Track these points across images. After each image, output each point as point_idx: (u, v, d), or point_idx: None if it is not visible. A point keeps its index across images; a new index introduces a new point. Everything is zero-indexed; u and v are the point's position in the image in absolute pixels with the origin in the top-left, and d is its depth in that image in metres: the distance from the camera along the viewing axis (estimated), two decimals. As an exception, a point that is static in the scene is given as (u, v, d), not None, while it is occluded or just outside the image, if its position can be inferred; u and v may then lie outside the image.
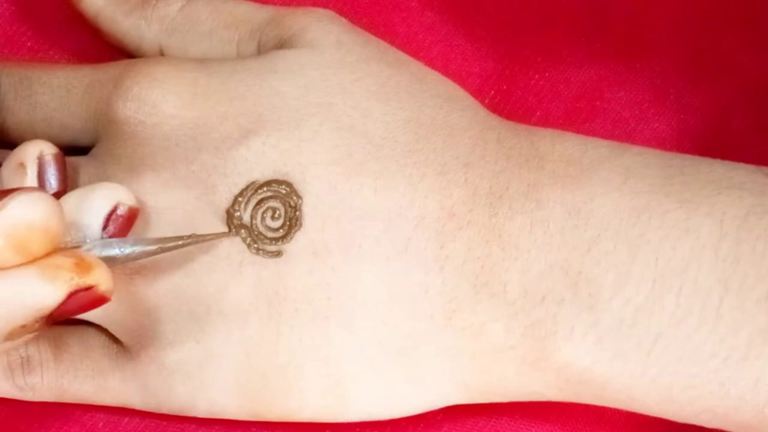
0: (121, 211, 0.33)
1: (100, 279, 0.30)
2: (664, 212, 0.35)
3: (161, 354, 0.36)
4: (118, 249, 0.33)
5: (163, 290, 0.36)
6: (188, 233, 0.35)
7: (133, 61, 0.38)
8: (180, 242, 0.34)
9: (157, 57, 0.39)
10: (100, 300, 0.31)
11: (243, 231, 0.36)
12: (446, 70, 0.40)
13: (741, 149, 0.44)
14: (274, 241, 0.36)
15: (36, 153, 0.34)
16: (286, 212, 0.36)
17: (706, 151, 0.39)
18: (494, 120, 0.38)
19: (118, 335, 0.37)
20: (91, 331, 0.38)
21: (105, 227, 0.33)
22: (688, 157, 0.37)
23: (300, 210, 0.36)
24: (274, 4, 0.41)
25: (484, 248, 0.35)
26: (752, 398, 0.34)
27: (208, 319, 0.36)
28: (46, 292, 0.30)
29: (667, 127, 0.44)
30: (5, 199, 0.29)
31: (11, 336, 0.30)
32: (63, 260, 0.30)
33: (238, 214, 0.36)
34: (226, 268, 0.36)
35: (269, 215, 0.36)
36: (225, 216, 0.36)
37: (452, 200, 0.36)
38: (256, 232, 0.36)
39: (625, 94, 0.44)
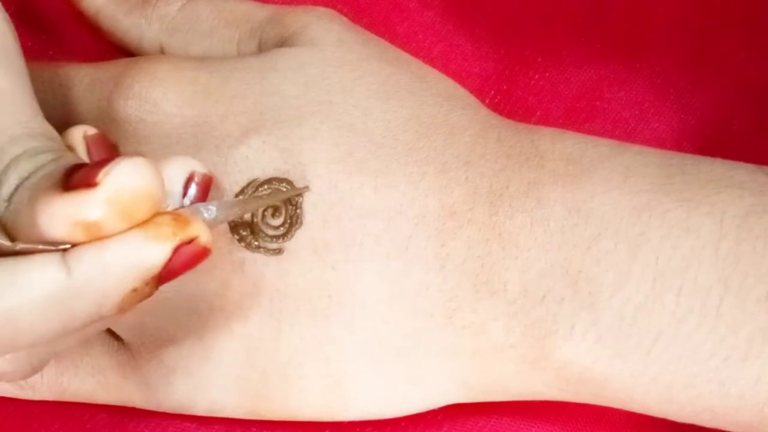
0: (197, 179, 0.32)
1: (200, 231, 0.30)
2: (665, 211, 0.35)
3: (162, 351, 0.37)
4: (205, 213, 0.32)
5: (165, 287, 0.36)
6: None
7: (133, 59, 0.38)
8: (261, 201, 0.35)
9: (158, 55, 0.39)
10: (202, 253, 0.30)
11: (243, 229, 0.36)
12: (446, 70, 0.40)
13: (741, 149, 0.44)
14: (274, 239, 0.36)
15: (80, 134, 0.34)
16: (286, 210, 0.36)
17: (706, 151, 0.39)
18: (494, 119, 0.38)
19: (118, 332, 0.37)
20: (91, 328, 0.38)
21: (184, 195, 0.32)
22: (689, 156, 0.37)
23: (300, 208, 0.36)
24: (275, 2, 0.41)
25: (485, 247, 0.35)
26: (752, 397, 0.34)
27: (209, 317, 0.36)
28: (153, 250, 0.29)
29: (667, 127, 0.44)
30: (108, 166, 0.28)
31: (124, 304, 0.29)
32: (161, 218, 0.29)
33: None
34: (228, 266, 0.36)
35: (270, 213, 0.36)
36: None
37: (453, 199, 0.36)
38: (256, 230, 0.36)
39: (625, 94, 0.44)
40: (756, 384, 0.34)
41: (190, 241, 0.29)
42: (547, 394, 0.37)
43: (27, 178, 0.29)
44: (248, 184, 0.36)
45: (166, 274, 0.29)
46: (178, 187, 0.32)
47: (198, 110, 0.37)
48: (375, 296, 0.36)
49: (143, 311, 0.36)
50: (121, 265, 0.28)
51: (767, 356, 0.34)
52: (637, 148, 0.37)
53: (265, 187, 0.36)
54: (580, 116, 0.44)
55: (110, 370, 0.38)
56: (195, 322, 0.36)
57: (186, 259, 0.29)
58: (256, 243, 0.36)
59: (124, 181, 0.28)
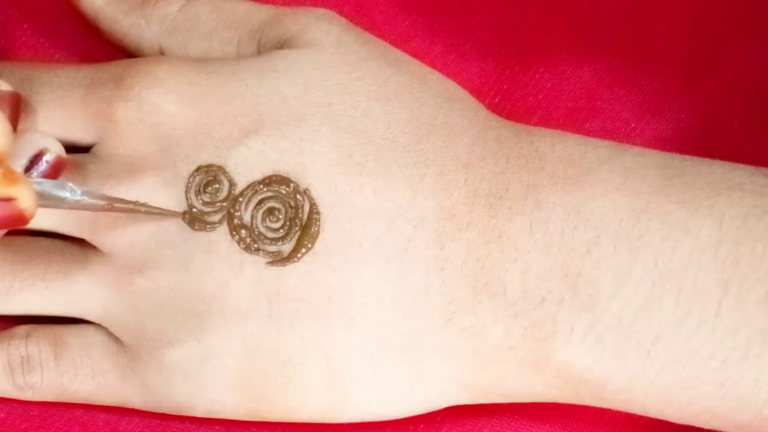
0: (47, 158, 0.33)
1: (23, 194, 0.30)
2: (664, 213, 0.35)
3: (162, 353, 0.37)
4: (69, 192, 0.33)
5: (164, 289, 0.36)
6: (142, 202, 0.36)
7: (133, 60, 0.38)
8: (130, 205, 0.35)
9: (158, 56, 0.39)
10: (19, 217, 0.31)
11: (243, 231, 0.36)
12: (446, 71, 0.40)
13: (741, 149, 0.44)
14: (274, 242, 0.36)
15: None
16: (286, 212, 0.36)
17: (706, 151, 0.39)
18: (494, 120, 0.38)
19: (118, 334, 0.37)
20: (91, 330, 0.38)
21: (28, 169, 0.33)
22: (688, 157, 0.37)
23: (301, 210, 0.36)
24: (275, 3, 0.41)
25: (484, 249, 0.35)
26: (751, 399, 0.34)
27: (208, 318, 0.36)
28: None
29: (667, 127, 0.44)
30: None
31: None
32: None
33: (239, 213, 0.36)
34: (227, 267, 0.36)
35: (270, 215, 0.36)
36: (225, 216, 0.36)
37: (452, 201, 0.36)
38: (256, 232, 0.36)
39: (625, 94, 0.44)
40: (755, 385, 0.34)
41: (9, 200, 0.30)
42: (547, 396, 0.37)
43: None
44: (248, 186, 0.36)
45: None
46: (23, 160, 0.33)
47: (198, 111, 0.37)
48: (375, 298, 0.36)
49: (143, 313, 0.36)
50: None
51: (766, 358, 0.34)
52: (636, 149, 0.37)
53: (265, 189, 0.36)
54: (581, 116, 0.44)
55: (110, 372, 0.38)
56: (194, 324, 0.36)
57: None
58: (256, 245, 0.36)
59: None
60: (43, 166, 0.33)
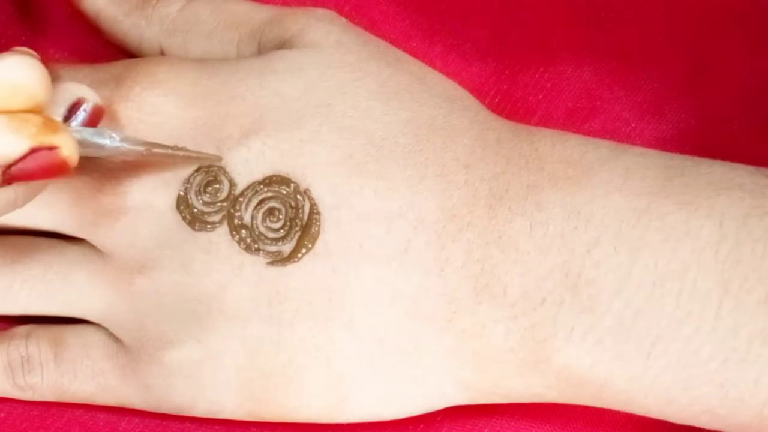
0: (85, 107, 0.33)
1: (65, 143, 0.31)
2: (665, 214, 0.35)
3: (162, 353, 0.37)
4: (108, 139, 0.34)
5: (164, 289, 0.36)
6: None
7: (133, 61, 0.38)
8: (169, 150, 0.35)
9: (158, 57, 0.39)
10: (62, 166, 0.31)
11: (243, 231, 0.36)
12: (446, 70, 0.40)
13: (741, 149, 0.44)
14: (274, 242, 0.36)
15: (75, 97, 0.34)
16: (286, 213, 0.36)
17: (706, 151, 0.39)
18: (494, 120, 0.38)
19: (118, 335, 0.38)
20: (91, 330, 0.38)
21: (67, 118, 0.33)
22: (689, 158, 0.37)
23: (301, 211, 0.36)
24: (275, 4, 0.41)
25: (484, 250, 0.35)
26: (751, 399, 0.34)
27: (209, 319, 0.36)
28: (9, 140, 0.30)
29: (667, 127, 0.44)
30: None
31: None
32: (32, 117, 0.30)
33: (239, 214, 0.36)
34: (227, 267, 0.36)
35: (270, 216, 0.36)
36: (226, 216, 0.36)
37: (452, 202, 0.36)
38: (256, 233, 0.36)
39: (625, 94, 0.44)
40: (755, 386, 0.34)
41: (52, 149, 0.30)
42: (547, 396, 0.37)
43: None
44: (248, 187, 0.36)
45: (18, 173, 0.30)
46: (61, 109, 0.33)
47: (198, 112, 0.37)
48: (375, 299, 0.36)
49: (143, 314, 0.36)
50: None
51: (766, 358, 0.34)
52: (636, 149, 0.37)
53: (265, 189, 0.36)
54: (581, 116, 0.44)
55: (110, 373, 0.38)
56: (194, 325, 0.36)
57: (42, 165, 0.30)
58: (256, 246, 0.36)
59: (6, 75, 0.29)
60: (81, 115, 0.33)
